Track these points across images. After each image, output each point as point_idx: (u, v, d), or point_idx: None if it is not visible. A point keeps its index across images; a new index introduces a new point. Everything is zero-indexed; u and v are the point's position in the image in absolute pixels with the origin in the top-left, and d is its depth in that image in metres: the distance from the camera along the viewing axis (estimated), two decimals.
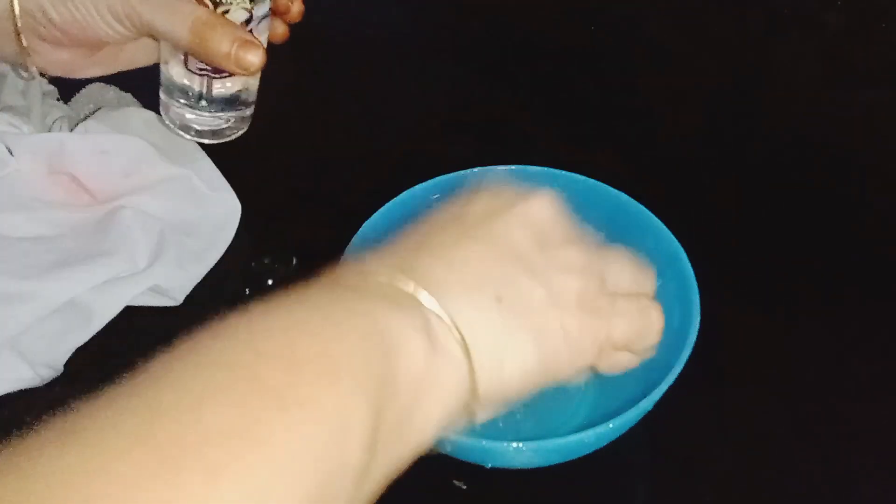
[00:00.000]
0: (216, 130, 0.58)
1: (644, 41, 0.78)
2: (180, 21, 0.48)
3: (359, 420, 0.26)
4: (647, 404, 0.40)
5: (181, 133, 0.58)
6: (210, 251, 0.57)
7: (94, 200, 0.57)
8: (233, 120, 0.58)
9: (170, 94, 0.57)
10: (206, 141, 0.58)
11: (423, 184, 0.50)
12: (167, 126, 0.58)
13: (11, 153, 0.57)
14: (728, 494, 0.46)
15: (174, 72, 0.56)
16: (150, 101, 0.67)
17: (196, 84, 0.55)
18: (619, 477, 0.47)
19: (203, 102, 0.57)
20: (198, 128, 0.58)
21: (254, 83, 0.57)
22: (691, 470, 0.47)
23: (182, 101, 0.57)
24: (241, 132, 0.59)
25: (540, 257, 0.33)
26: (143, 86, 0.69)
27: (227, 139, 0.58)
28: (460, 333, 0.30)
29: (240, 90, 0.56)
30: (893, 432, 0.48)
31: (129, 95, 0.68)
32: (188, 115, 0.58)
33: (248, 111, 0.59)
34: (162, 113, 0.59)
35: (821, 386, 0.50)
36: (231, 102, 0.57)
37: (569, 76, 0.74)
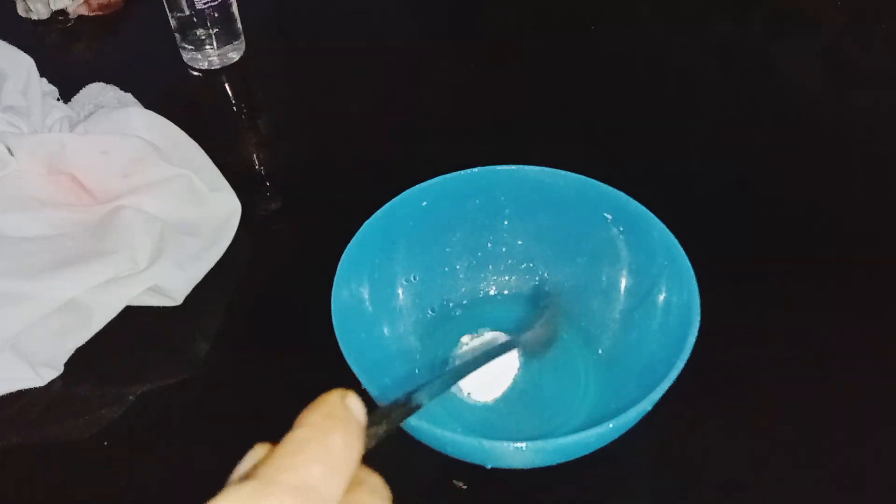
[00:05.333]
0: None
1: (644, 41, 0.78)
2: None
3: None
4: (647, 404, 0.40)
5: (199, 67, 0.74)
6: (210, 251, 0.57)
7: (94, 200, 0.57)
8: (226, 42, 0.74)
9: (178, 37, 0.74)
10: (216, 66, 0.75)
11: (424, 184, 0.50)
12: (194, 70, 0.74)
13: (11, 153, 0.57)
14: (728, 494, 0.46)
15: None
16: (150, 101, 0.67)
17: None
18: (619, 477, 0.47)
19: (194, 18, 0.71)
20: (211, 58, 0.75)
21: None
22: (691, 470, 0.47)
23: (185, 43, 0.74)
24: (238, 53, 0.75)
25: None
26: (143, 86, 0.70)
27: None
28: None
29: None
30: (895, 431, 0.48)
31: (129, 95, 0.68)
32: (196, 54, 0.74)
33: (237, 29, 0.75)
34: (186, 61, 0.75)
35: (820, 385, 0.50)
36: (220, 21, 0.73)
37: (569, 76, 0.74)
